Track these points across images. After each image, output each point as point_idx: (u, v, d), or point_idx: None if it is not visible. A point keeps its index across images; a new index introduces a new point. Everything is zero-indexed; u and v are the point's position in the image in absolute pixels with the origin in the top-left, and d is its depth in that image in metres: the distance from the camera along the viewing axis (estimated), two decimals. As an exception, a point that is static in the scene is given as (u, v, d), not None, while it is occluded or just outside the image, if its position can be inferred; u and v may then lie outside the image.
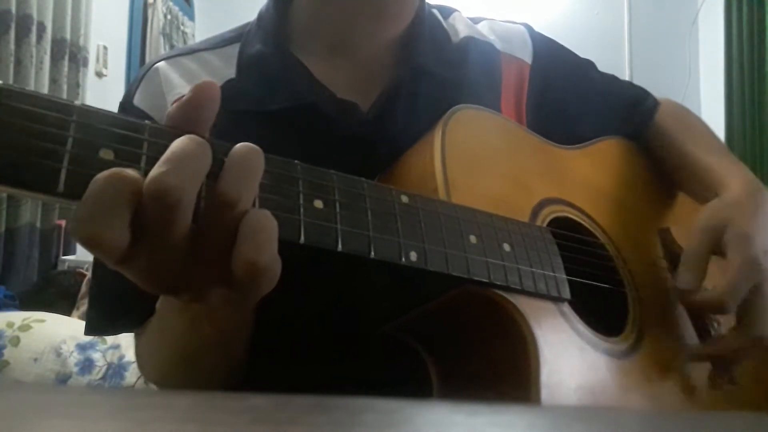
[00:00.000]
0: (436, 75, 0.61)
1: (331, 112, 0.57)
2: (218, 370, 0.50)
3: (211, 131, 0.36)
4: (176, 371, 0.53)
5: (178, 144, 0.32)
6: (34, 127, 0.31)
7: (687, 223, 0.69)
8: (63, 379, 1.28)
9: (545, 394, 0.43)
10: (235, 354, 0.49)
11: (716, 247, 0.56)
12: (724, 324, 0.60)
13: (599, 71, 0.76)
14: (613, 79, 0.77)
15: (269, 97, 0.58)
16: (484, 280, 0.44)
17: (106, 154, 0.32)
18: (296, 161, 0.38)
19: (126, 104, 0.59)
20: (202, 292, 0.35)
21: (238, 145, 0.34)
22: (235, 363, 0.50)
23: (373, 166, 0.53)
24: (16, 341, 1.29)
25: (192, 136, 0.33)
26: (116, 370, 1.31)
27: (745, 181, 0.62)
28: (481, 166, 0.52)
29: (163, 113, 0.57)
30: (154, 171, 0.31)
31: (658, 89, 0.78)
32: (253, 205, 0.35)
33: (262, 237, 0.32)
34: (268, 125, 0.56)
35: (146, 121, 0.34)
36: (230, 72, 0.60)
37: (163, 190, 0.30)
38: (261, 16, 0.64)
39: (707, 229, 0.57)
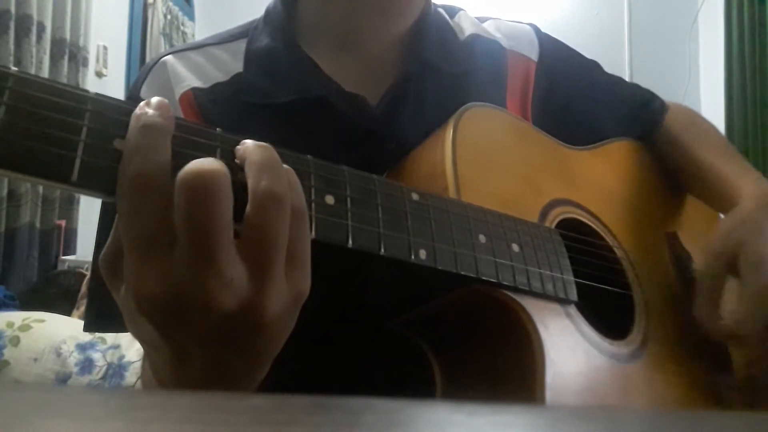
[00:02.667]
0: (443, 70, 0.61)
1: (339, 105, 0.57)
2: None
3: (220, 125, 0.35)
4: None
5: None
6: (48, 115, 0.30)
7: (695, 226, 0.69)
8: (63, 379, 1.28)
9: (550, 395, 0.43)
10: None
11: (731, 268, 0.55)
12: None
13: (606, 72, 0.76)
14: (620, 81, 0.77)
15: (277, 90, 0.58)
16: (493, 280, 0.44)
17: (121, 144, 0.32)
18: (308, 156, 0.38)
19: (133, 97, 0.59)
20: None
21: (253, 143, 0.35)
22: None
23: (380, 160, 0.53)
24: (16, 341, 1.29)
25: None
26: (116, 370, 1.31)
27: (757, 192, 0.61)
28: (492, 165, 0.52)
29: (171, 106, 0.57)
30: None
31: (658, 89, 0.77)
32: None
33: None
34: (276, 118, 0.57)
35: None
36: (238, 66, 0.60)
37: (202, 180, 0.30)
38: (268, 12, 0.64)
39: (721, 254, 0.56)
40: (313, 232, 0.36)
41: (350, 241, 0.37)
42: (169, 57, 0.61)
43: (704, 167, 0.68)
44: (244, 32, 0.64)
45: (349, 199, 0.38)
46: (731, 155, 0.69)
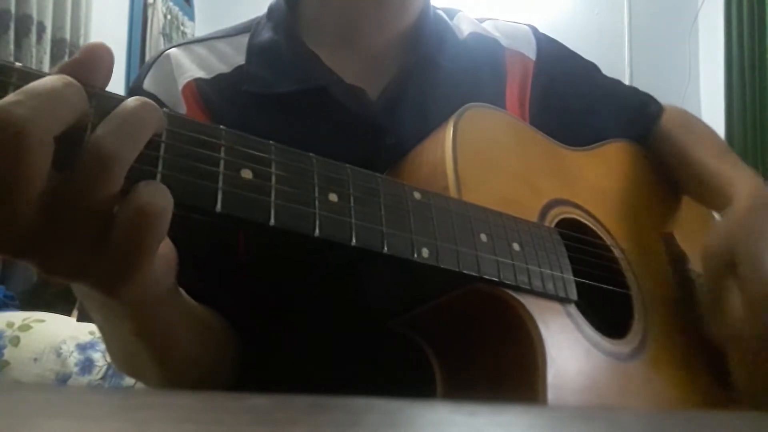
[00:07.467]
0: (442, 66, 0.62)
1: (339, 96, 0.57)
2: (169, 370, 0.47)
3: (223, 115, 0.36)
4: (129, 370, 0.54)
5: (41, 80, 0.29)
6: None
7: (691, 227, 0.70)
8: (63, 379, 1.27)
9: (552, 394, 0.43)
10: (180, 354, 0.46)
11: (731, 272, 0.54)
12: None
13: (603, 75, 0.76)
14: (617, 83, 0.77)
15: (278, 80, 0.58)
16: (494, 279, 0.44)
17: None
18: (311, 154, 0.38)
19: (136, 89, 0.60)
20: (79, 265, 0.31)
21: (131, 98, 0.31)
22: (186, 364, 0.47)
23: (379, 155, 0.54)
24: (16, 341, 1.29)
25: (62, 76, 0.30)
26: (116, 370, 1.31)
27: (750, 190, 0.60)
28: (492, 165, 0.52)
29: (174, 98, 0.58)
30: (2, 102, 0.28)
31: (658, 90, 0.78)
32: (267, 195, 0.34)
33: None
34: (276, 108, 0.57)
35: (165, 109, 0.33)
36: (240, 59, 0.61)
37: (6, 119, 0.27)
38: (271, 9, 0.65)
39: (718, 261, 0.55)
40: (317, 230, 0.36)
41: (354, 239, 0.37)
42: (173, 50, 0.62)
43: (697, 166, 0.68)
44: (248, 27, 0.65)
45: (352, 197, 0.38)
46: (725, 155, 0.69)
